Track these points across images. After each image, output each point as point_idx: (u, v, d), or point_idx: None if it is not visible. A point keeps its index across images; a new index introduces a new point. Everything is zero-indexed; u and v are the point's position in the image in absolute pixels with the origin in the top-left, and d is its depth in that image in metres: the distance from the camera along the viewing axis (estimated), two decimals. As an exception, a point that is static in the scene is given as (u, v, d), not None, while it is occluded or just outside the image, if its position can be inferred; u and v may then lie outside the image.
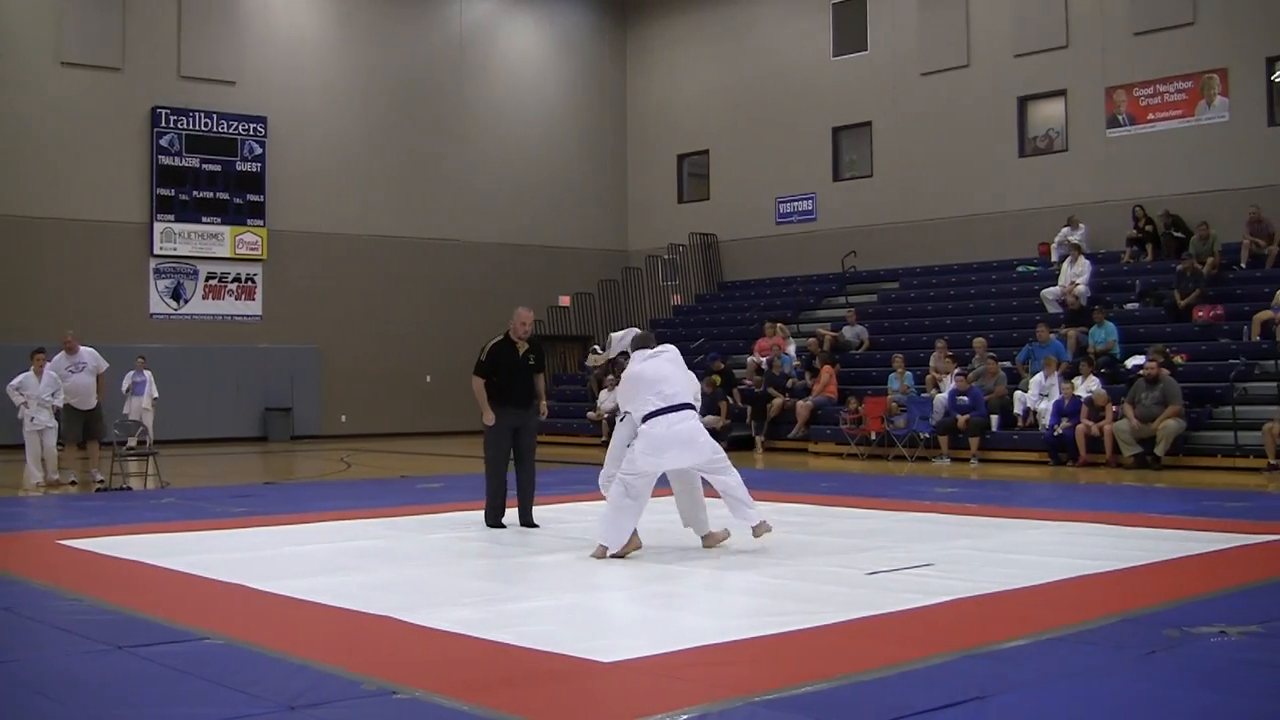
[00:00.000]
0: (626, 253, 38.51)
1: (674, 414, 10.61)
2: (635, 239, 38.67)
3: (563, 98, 38.12)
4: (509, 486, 13.08)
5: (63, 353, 19.48)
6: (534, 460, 13.26)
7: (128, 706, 6.08)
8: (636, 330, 11.80)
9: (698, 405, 11.00)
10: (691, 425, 10.69)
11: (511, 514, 13.08)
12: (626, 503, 10.55)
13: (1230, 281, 25.02)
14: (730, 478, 10.80)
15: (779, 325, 29.12)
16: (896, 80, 32.29)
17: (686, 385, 10.93)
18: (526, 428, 13.22)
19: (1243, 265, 25.31)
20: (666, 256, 36.84)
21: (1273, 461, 19.42)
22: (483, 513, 13.07)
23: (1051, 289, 26.38)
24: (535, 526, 12.85)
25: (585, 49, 38.59)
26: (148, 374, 25.88)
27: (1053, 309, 25.98)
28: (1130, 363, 22.42)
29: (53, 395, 19.13)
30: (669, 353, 11.15)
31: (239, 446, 30.10)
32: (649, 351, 11.15)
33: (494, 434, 13.04)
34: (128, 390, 25.63)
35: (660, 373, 10.82)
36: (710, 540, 10.96)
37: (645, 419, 10.62)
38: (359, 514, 14.31)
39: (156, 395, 25.92)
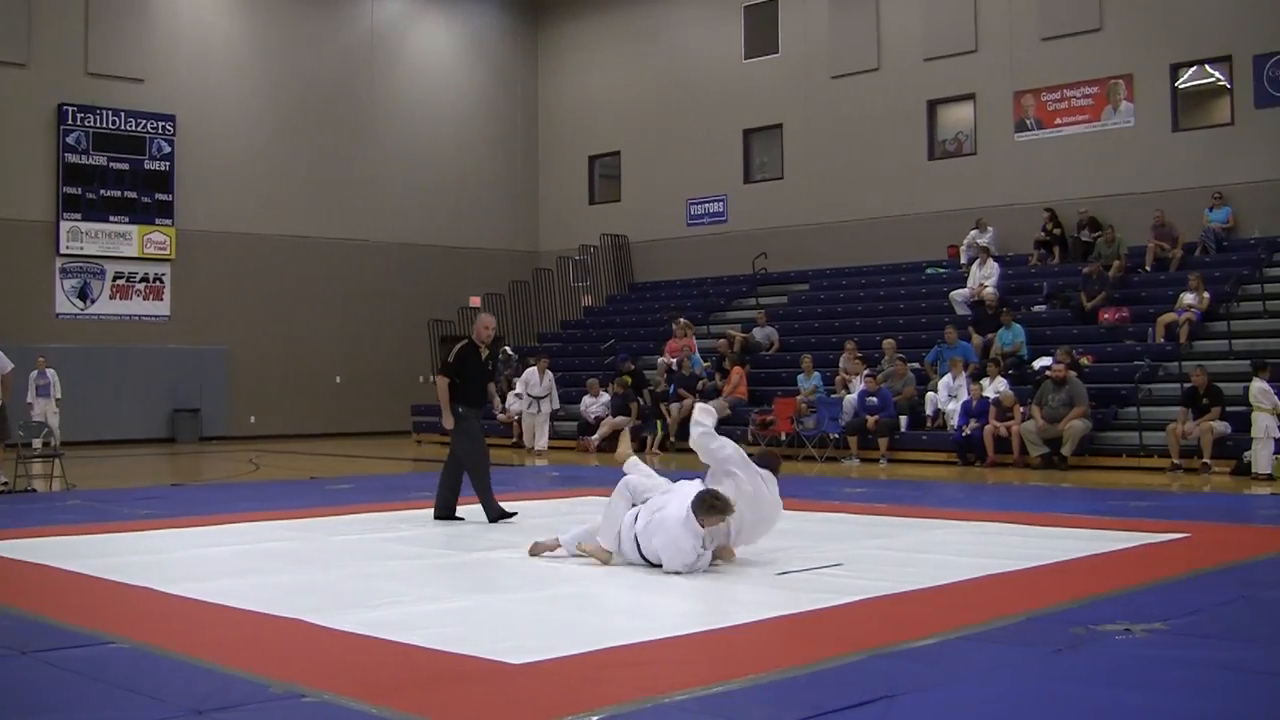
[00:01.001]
0: (537, 253, 38.44)
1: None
2: (546, 240, 38.62)
3: (474, 98, 38.01)
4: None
5: (-34, 353, 19.15)
6: None
7: (32, 712, 5.98)
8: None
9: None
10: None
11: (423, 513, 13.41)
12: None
13: (1135, 284, 25.35)
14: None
15: (681, 320, 29.20)
16: (807, 83, 32.44)
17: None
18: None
19: (1148, 268, 25.65)
20: (577, 257, 36.82)
21: (1176, 461, 19.71)
22: (400, 511, 13.32)
23: (960, 291, 26.63)
24: (461, 519, 13.46)
25: (496, 49, 38.48)
26: (51, 373, 25.53)
27: (961, 311, 26.21)
28: (1038, 364, 22.67)
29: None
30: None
31: (146, 448, 29.77)
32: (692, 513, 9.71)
33: (471, 433, 13.64)
34: (34, 392, 25.29)
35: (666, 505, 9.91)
36: (537, 548, 10.61)
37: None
38: (267, 516, 14.17)
39: (59, 396, 25.58)
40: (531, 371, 27.95)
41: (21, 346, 24.71)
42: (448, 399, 13.49)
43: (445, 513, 13.54)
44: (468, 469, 13.57)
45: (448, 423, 13.61)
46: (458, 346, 13.83)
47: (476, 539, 11.92)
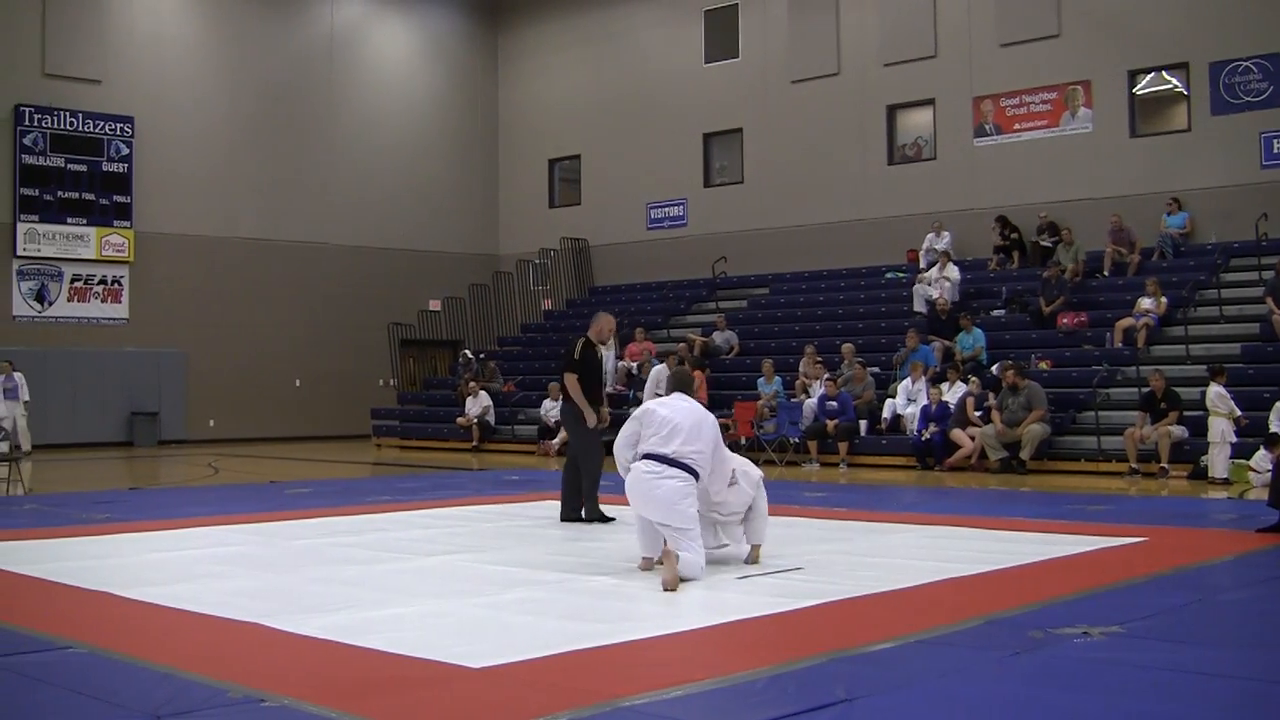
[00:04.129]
0: (497, 257, 38.36)
1: (661, 467, 9.81)
2: (506, 243, 38.55)
3: (433, 101, 37.92)
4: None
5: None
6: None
7: (-16, 717, 5.95)
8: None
9: (705, 462, 9.96)
10: (670, 487, 9.68)
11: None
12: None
13: (1093, 289, 25.46)
14: (689, 555, 9.49)
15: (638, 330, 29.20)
16: (767, 87, 32.48)
17: (691, 440, 9.96)
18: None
19: (1105, 273, 25.76)
20: (537, 261, 36.77)
21: (1134, 465, 19.78)
22: (360, 516, 13.20)
23: (921, 287, 26.65)
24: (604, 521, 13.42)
25: (456, 52, 38.40)
26: (19, 376, 25.10)
27: (920, 306, 26.32)
28: (995, 369, 22.76)
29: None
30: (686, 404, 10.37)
31: (104, 452, 29.55)
32: (671, 399, 10.50)
33: (591, 433, 13.66)
34: (1, 395, 24.94)
35: (668, 421, 10.02)
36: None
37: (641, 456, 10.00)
38: (226, 520, 14.08)
39: (28, 399, 25.18)
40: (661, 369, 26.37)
41: (-23, 350, 24.53)
42: (583, 397, 13.49)
43: (571, 514, 13.61)
44: (583, 466, 13.56)
45: (591, 420, 13.49)
46: (579, 343, 13.77)
47: (431, 544, 11.87)
